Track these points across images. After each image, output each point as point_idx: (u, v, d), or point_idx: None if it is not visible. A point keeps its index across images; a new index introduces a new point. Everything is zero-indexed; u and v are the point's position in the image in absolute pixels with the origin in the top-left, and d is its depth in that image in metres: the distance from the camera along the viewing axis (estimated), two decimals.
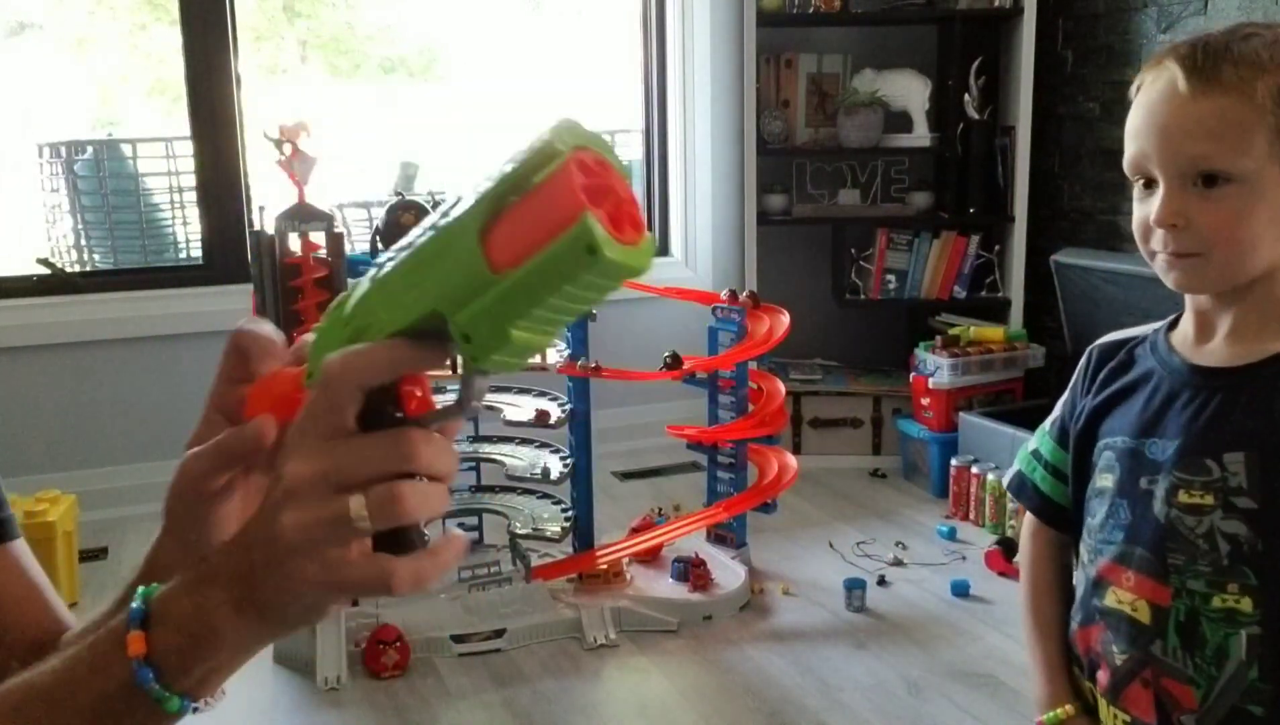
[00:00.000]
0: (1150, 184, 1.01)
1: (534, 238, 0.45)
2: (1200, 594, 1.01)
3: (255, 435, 0.59)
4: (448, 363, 0.51)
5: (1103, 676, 1.10)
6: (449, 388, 0.62)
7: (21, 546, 0.82)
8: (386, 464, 0.50)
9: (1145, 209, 1.02)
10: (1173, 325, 1.12)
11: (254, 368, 0.62)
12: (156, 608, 0.53)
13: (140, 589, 0.54)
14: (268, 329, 0.63)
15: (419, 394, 0.53)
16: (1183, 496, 1.02)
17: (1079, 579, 1.14)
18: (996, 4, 3.51)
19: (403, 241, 0.51)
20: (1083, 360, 1.19)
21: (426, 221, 0.51)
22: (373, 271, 0.53)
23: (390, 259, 0.52)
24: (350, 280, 2.38)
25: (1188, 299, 1.08)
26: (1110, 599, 1.07)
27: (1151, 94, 1.00)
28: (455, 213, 0.49)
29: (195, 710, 0.55)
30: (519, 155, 0.47)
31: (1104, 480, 1.10)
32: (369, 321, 0.52)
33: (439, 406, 0.53)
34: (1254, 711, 0.99)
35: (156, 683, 0.52)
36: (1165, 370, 1.08)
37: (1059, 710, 1.14)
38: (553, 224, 0.45)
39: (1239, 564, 0.99)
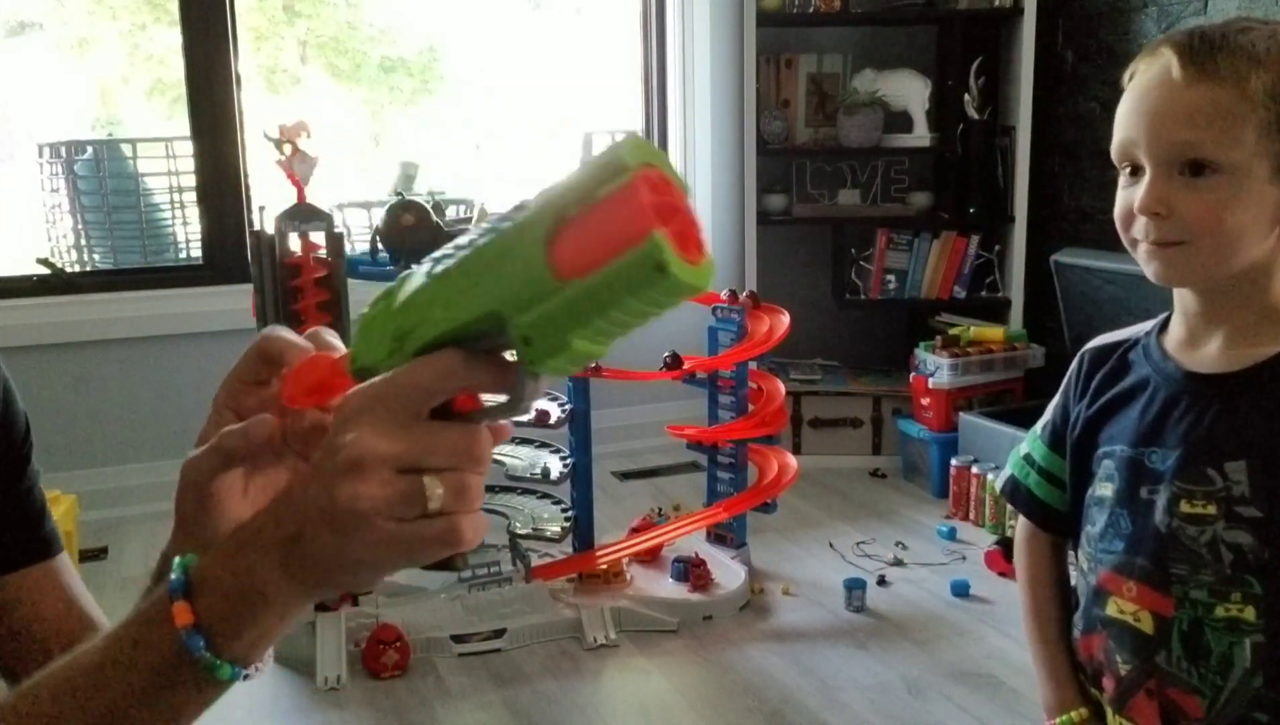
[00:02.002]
0: (1136, 171, 1.00)
1: (601, 250, 0.46)
2: (1203, 603, 1.00)
3: (259, 435, 0.59)
4: (508, 382, 0.52)
5: (1108, 684, 1.09)
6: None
7: (63, 561, 0.84)
8: (458, 458, 0.51)
9: (1129, 196, 1.00)
10: (1163, 327, 1.10)
11: (276, 373, 0.62)
12: (197, 576, 0.54)
13: (178, 560, 0.54)
14: (294, 337, 0.63)
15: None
16: (1185, 506, 1.01)
17: (1080, 587, 1.14)
18: (996, 4, 3.51)
19: (461, 240, 0.52)
20: (1074, 364, 1.18)
21: (487, 221, 0.51)
22: (427, 266, 0.53)
23: (447, 256, 0.52)
24: (351, 280, 2.39)
25: (1176, 300, 1.07)
26: (1112, 609, 1.07)
27: (1145, 80, 0.99)
28: (519, 217, 0.49)
29: (246, 677, 0.55)
30: (586, 166, 0.48)
31: (1103, 489, 1.09)
32: (422, 317, 0.52)
33: (490, 404, 0.54)
34: (1260, 719, 0.98)
35: (207, 650, 0.53)
36: (1161, 377, 1.06)
37: (1072, 714, 1.14)
38: (621, 239, 0.46)
39: (1242, 573, 0.98)
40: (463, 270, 0.51)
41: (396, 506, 0.50)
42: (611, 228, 0.46)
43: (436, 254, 0.53)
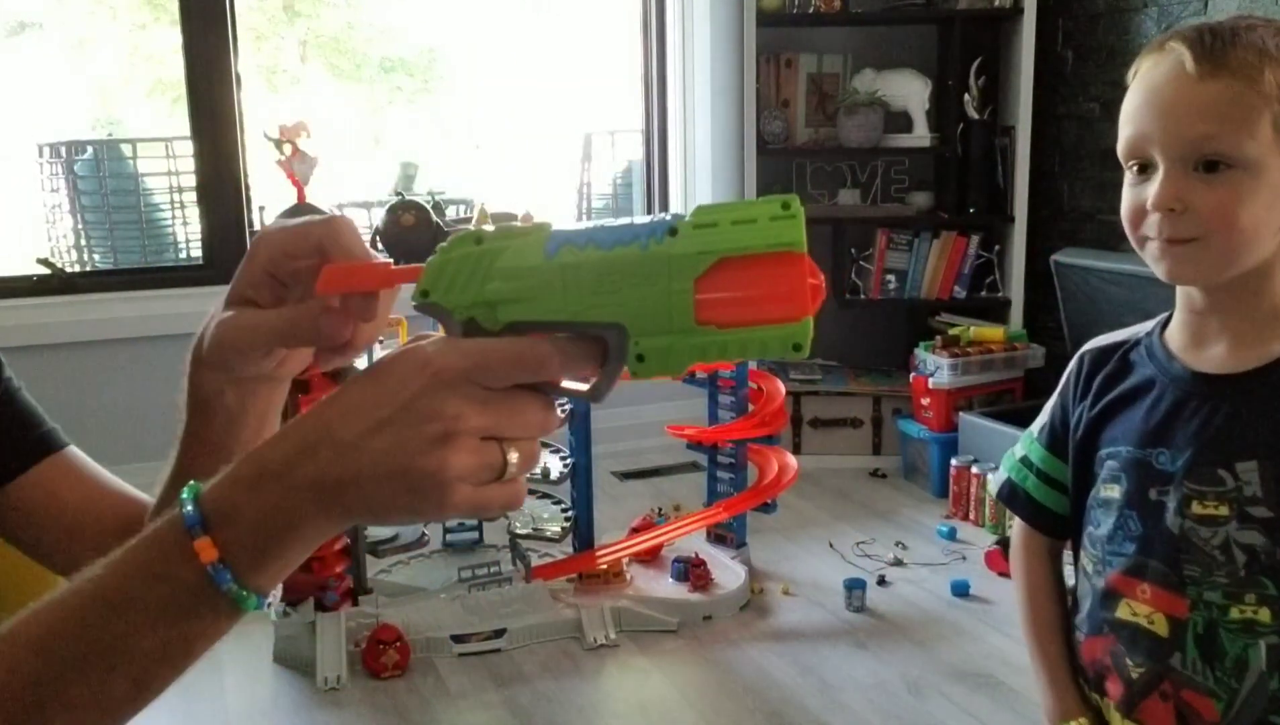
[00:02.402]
0: (1145, 168, 0.99)
1: (751, 311, 0.50)
2: (1218, 605, 0.99)
3: (332, 336, 0.59)
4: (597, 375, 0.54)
5: (1114, 689, 1.08)
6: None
7: (73, 453, 0.85)
8: (536, 429, 0.54)
9: (1139, 193, 0.99)
10: (1163, 327, 1.09)
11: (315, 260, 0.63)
12: (214, 507, 0.53)
13: (185, 492, 0.54)
14: (358, 238, 0.63)
15: None
16: (1196, 507, 1.00)
17: (1085, 590, 1.12)
18: (996, 4, 3.51)
19: (587, 226, 0.52)
20: (1072, 365, 1.17)
21: (625, 222, 0.52)
22: (548, 242, 0.53)
23: (571, 240, 0.52)
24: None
25: (1180, 300, 1.06)
26: (1123, 611, 1.06)
27: (1155, 75, 0.98)
28: (672, 246, 0.50)
29: (269, 606, 0.56)
30: (753, 219, 0.50)
31: (1110, 491, 1.08)
32: (529, 295, 0.53)
33: (571, 387, 0.55)
34: (1276, 722, 0.98)
35: (235, 583, 0.53)
36: (1167, 378, 1.05)
37: (1073, 724, 1.13)
38: (775, 310, 0.50)
39: (1256, 574, 0.98)
40: (596, 273, 0.51)
41: (478, 473, 0.52)
42: (769, 295, 0.49)
43: (560, 228, 0.53)
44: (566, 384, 0.55)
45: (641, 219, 0.52)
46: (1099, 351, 1.14)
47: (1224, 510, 0.99)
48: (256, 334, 0.63)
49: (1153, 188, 0.97)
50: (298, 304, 0.63)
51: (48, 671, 0.53)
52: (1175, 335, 1.07)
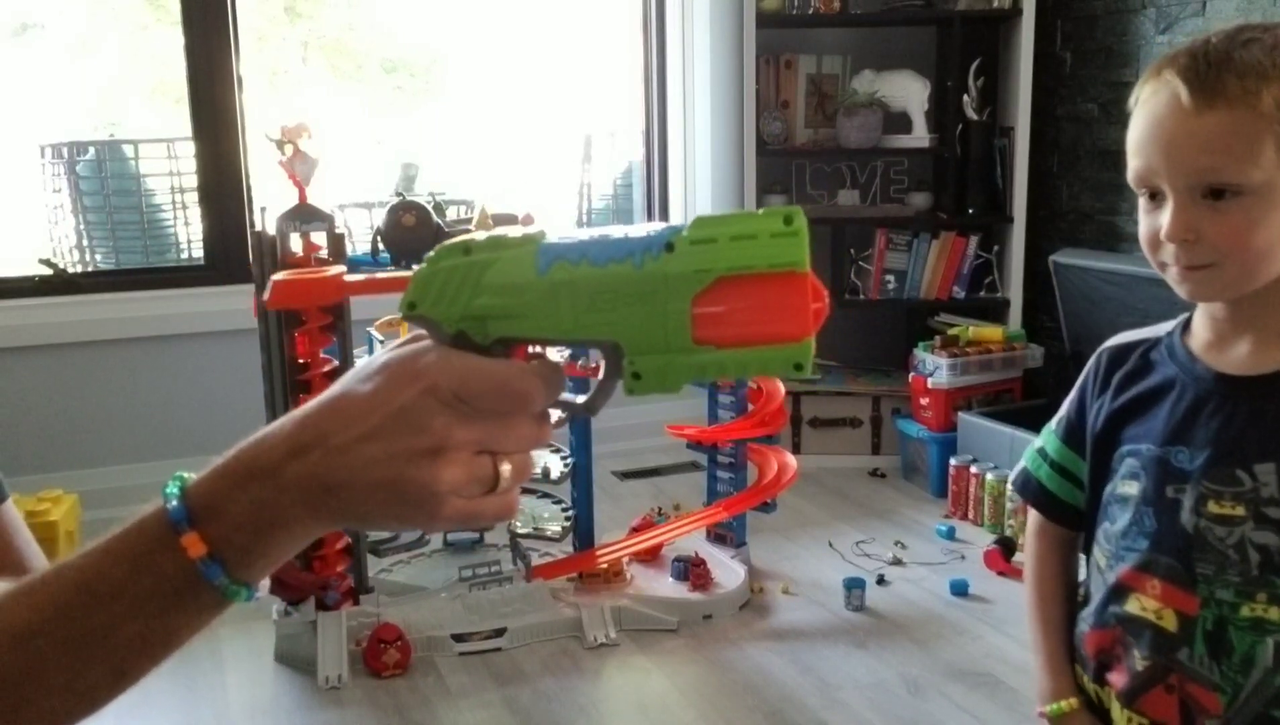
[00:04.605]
0: (1156, 196, 1.00)
1: (750, 331, 0.49)
2: (1229, 603, 1.00)
3: None
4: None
5: (1118, 679, 1.09)
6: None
7: (8, 508, 0.82)
8: (528, 443, 0.54)
9: (1154, 222, 1.00)
10: (1185, 328, 1.10)
11: None
12: (201, 502, 0.53)
13: (172, 486, 0.54)
14: None
15: None
16: (1212, 507, 1.01)
17: (1095, 584, 1.14)
18: (995, 5, 3.51)
19: (581, 236, 0.51)
20: (1091, 363, 1.18)
21: (623, 235, 0.51)
22: (539, 257, 0.52)
23: (564, 256, 0.51)
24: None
25: (1201, 305, 1.07)
26: (1133, 606, 1.07)
27: (1154, 107, 0.98)
28: (669, 264, 0.49)
29: (257, 598, 0.56)
30: (753, 236, 0.48)
31: (1127, 487, 1.09)
32: (520, 311, 0.52)
33: (567, 400, 0.55)
34: (1278, 716, 0.99)
35: (226, 578, 0.53)
36: (1189, 378, 1.06)
37: (1062, 703, 1.15)
38: (775, 330, 0.49)
39: (1269, 574, 0.99)
40: (590, 292, 0.51)
41: (470, 486, 0.53)
42: (769, 315, 0.49)
43: (551, 241, 0.52)
44: (561, 396, 0.55)
45: (637, 230, 0.51)
46: (1118, 349, 1.16)
47: (1240, 510, 1.00)
48: None
49: (1165, 217, 0.98)
50: None
51: (27, 660, 0.53)
52: (1197, 336, 1.08)
